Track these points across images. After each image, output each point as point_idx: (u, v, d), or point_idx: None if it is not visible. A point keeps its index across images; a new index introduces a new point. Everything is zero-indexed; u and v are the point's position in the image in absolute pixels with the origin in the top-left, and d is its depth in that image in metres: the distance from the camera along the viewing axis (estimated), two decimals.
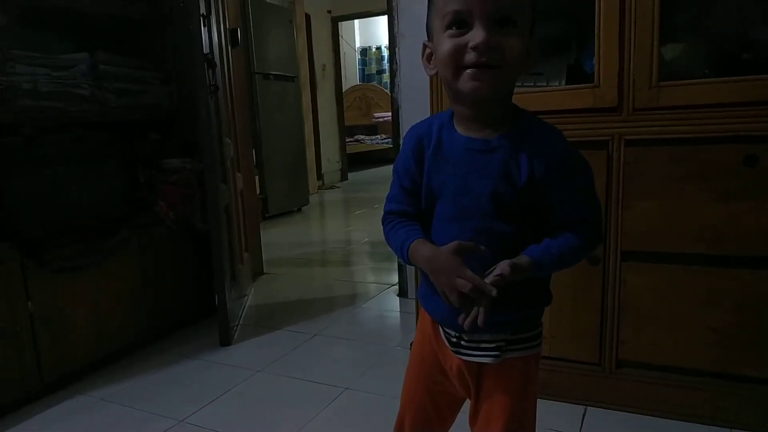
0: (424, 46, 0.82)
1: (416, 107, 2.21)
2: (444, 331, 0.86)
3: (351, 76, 9.19)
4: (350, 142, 7.85)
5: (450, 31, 0.74)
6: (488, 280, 0.74)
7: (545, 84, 1.61)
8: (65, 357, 1.80)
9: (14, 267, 1.64)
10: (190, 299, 2.29)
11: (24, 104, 1.79)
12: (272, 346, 2.07)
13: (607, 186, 1.41)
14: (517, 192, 0.77)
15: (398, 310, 2.43)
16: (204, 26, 2.02)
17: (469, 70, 0.73)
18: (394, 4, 2.25)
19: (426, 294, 0.86)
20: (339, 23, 7.21)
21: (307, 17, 6.25)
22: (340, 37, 7.35)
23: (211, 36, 2.17)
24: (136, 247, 2.03)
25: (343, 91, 7.54)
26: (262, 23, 4.60)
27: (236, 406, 1.64)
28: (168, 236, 2.16)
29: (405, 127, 2.29)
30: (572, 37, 1.65)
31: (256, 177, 3.72)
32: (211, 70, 2.08)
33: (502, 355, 0.81)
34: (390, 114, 2.43)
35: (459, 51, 0.73)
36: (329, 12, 6.98)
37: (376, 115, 8.73)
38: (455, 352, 0.84)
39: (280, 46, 4.92)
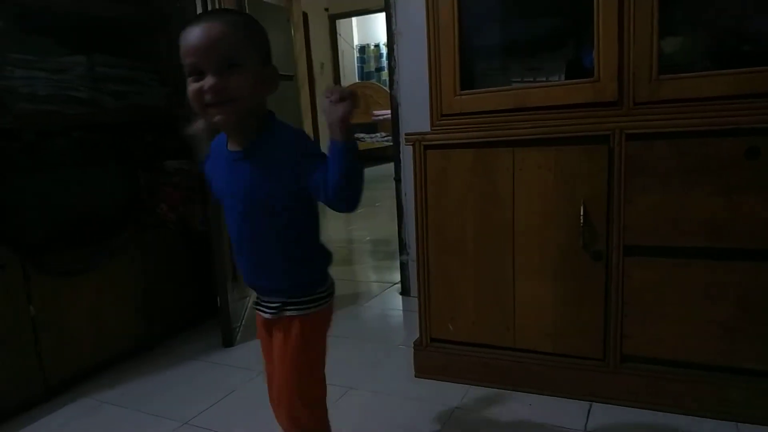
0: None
1: (416, 104, 2.20)
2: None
3: (350, 74, 9.17)
4: None
5: (190, 78, 0.93)
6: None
7: (545, 79, 1.60)
8: (68, 360, 1.80)
9: (16, 271, 1.64)
10: (192, 301, 2.29)
11: (23, 108, 1.78)
12: None
13: (608, 181, 1.41)
14: (269, 186, 0.98)
15: (401, 308, 2.42)
16: None
17: (212, 108, 0.93)
18: (391, 1, 2.24)
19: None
20: (336, 21, 7.19)
21: (305, 15, 6.24)
22: (338, 35, 7.33)
23: None
24: (137, 249, 2.03)
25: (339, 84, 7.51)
26: (260, 22, 4.59)
27: (240, 407, 1.64)
28: (169, 238, 2.16)
29: (405, 125, 2.28)
30: (571, 31, 1.65)
31: None
32: None
33: (279, 313, 1.05)
34: (389, 112, 2.42)
35: (199, 93, 0.92)
36: (326, 10, 6.97)
37: (376, 112, 8.70)
38: (255, 308, 1.11)
39: (278, 45, 4.91)
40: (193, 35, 0.91)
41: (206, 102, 0.93)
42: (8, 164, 1.67)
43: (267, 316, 1.07)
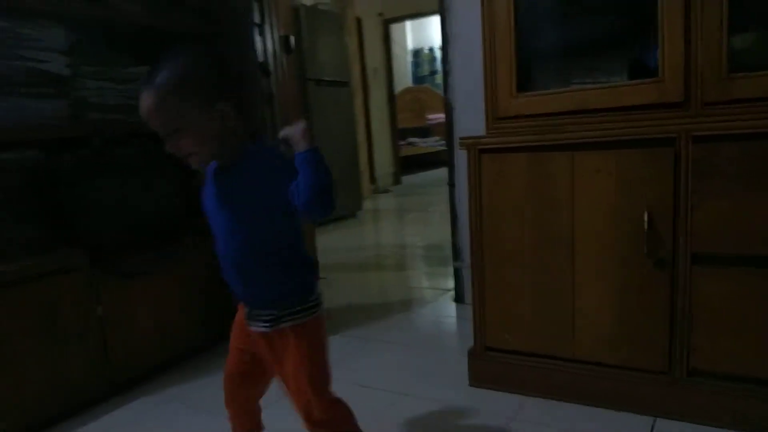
0: None
1: (469, 108, 2.18)
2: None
3: (403, 79, 9.18)
4: (403, 144, 7.84)
5: None
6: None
7: (606, 80, 1.54)
8: (132, 359, 1.87)
9: (86, 273, 1.72)
10: None
11: (93, 117, 1.88)
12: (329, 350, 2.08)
13: (675, 185, 1.34)
14: (249, 200, 1.05)
15: (454, 315, 2.39)
16: (258, 35, 2.07)
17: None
18: (446, 3, 2.22)
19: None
20: (390, 25, 7.22)
21: (358, 21, 6.30)
22: (392, 40, 7.36)
23: (265, 44, 2.21)
24: (196, 255, 2.09)
25: (396, 93, 7.55)
26: (314, 29, 4.67)
27: (293, 410, 1.66)
28: None
29: (459, 129, 2.26)
30: (633, 29, 1.58)
31: None
32: (265, 78, 2.12)
33: (275, 325, 1.09)
34: (443, 116, 2.40)
35: (171, 149, 1.03)
36: (380, 15, 7.00)
37: (430, 117, 8.68)
38: (247, 323, 1.14)
39: (332, 51, 4.98)
40: (140, 105, 1.00)
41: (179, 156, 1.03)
42: (79, 171, 1.76)
43: (263, 329, 1.10)
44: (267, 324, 1.10)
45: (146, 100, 0.98)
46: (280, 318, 1.09)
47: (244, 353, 1.23)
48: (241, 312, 1.20)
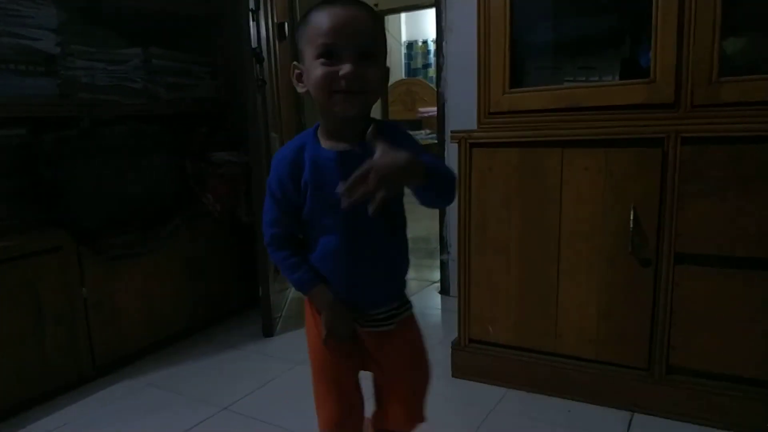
0: (294, 66, 0.94)
1: (462, 102, 2.18)
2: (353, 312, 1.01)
3: (396, 71, 9.15)
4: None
5: (321, 60, 0.86)
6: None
7: (598, 79, 1.56)
8: (116, 342, 1.87)
9: (70, 254, 1.71)
10: (234, 290, 2.34)
11: (83, 97, 1.86)
12: None
13: (661, 186, 1.36)
14: None
15: (440, 307, 2.41)
16: (252, 21, 2.05)
17: (340, 95, 0.86)
18: None
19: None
20: (385, 17, 7.18)
21: None
22: (387, 31, 7.33)
23: (260, 30, 2.20)
24: (184, 238, 2.08)
25: (388, 85, 7.52)
26: None
27: (277, 396, 1.67)
28: (214, 228, 2.21)
29: (451, 122, 2.26)
30: (627, 29, 1.59)
31: None
32: (258, 65, 2.11)
33: (398, 318, 1.00)
34: (435, 109, 2.40)
35: (330, 78, 0.86)
36: (376, 5, 6.97)
37: (422, 110, 8.66)
38: (361, 326, 1.00)
39: None
40: (337, 16, 0.85)
41: (337, 88, 0.86)
42: (66, 151, 1.74)
43: (389, 327, 1.00)
44: (391, 321, 1.00)
45: (356, 14, 0.86)
46: (400, 309, 1.01)
47: (347, 384, 1.06)
48: (325, 347, 1.02)
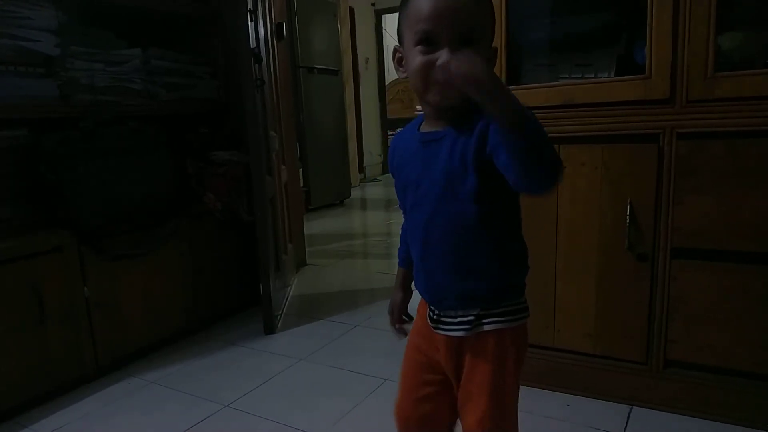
0: (396, 50, 0.88)
1: None
2: (429, 310, 0.92)
3: (394, 70, 9.15)
4: (392, 135, 7.83)
5: (420, 47, 0.80)
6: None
7: (594, 75, 1.57)
8: (119, 340, 1.88)
9: (72, 254, 1.72)
10: (236, 288, 2.35)
11: (83, 99, 1.87)
12: (314, 335, 2.10)
13: (657, 180, 1.37)
14: (467, 171, 0.81)
15: None
16: (251, 21, 2.06)
17: (437, 86, 0.80)
18: None
19: (416, 273, 0.94)
20: (383, 16, 7.19)
21: (351, 10, 6.27)
22: (384, 30, 7.33)
23: (258, 31, 2.21)
24: (185, 237, 2.10)
25: (386, 84, 7.53)
26: (307, 17, 4.65)
27: (278, 393, 1.68)
28: (215, 227, 2.22)
29: None
30: (622, 26, 1.60)
31: (300, 170, 3.77)
32: (257, 65, 2.12)
33: (474, 329, 0.86)
34: None
35: (428, 67, 0.79)
36: (373, 5, 6.98)
37: (419, 108, 8.65)
38: (434, 328, 0.90)
39: (324, 39, 4.96)
40: (436, 0, 0.78)
41: (434, 78, 0.79)
42: (68, 152, 1.75)
43: (460, 333, 0.87)
44: (467, 326, 0.86)
45: None
46: (482, 318, 0.86)
47: (413, 378, 0.98)
48: (418, 337, 0.97)
